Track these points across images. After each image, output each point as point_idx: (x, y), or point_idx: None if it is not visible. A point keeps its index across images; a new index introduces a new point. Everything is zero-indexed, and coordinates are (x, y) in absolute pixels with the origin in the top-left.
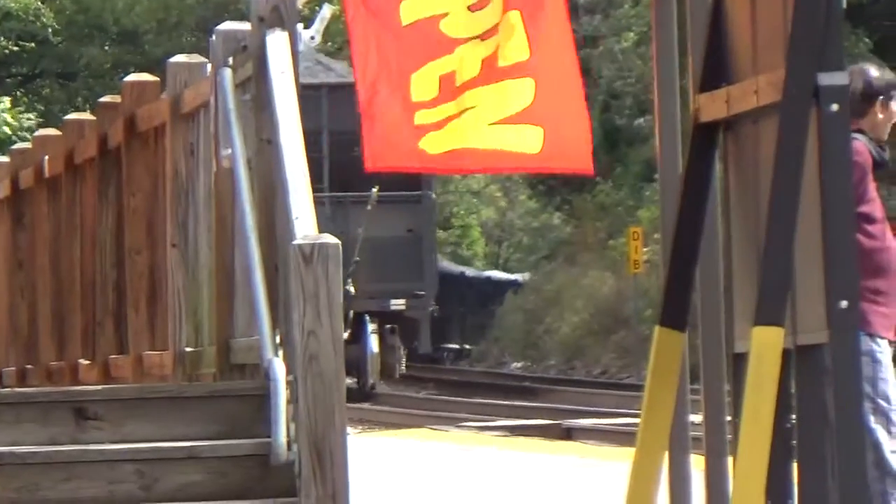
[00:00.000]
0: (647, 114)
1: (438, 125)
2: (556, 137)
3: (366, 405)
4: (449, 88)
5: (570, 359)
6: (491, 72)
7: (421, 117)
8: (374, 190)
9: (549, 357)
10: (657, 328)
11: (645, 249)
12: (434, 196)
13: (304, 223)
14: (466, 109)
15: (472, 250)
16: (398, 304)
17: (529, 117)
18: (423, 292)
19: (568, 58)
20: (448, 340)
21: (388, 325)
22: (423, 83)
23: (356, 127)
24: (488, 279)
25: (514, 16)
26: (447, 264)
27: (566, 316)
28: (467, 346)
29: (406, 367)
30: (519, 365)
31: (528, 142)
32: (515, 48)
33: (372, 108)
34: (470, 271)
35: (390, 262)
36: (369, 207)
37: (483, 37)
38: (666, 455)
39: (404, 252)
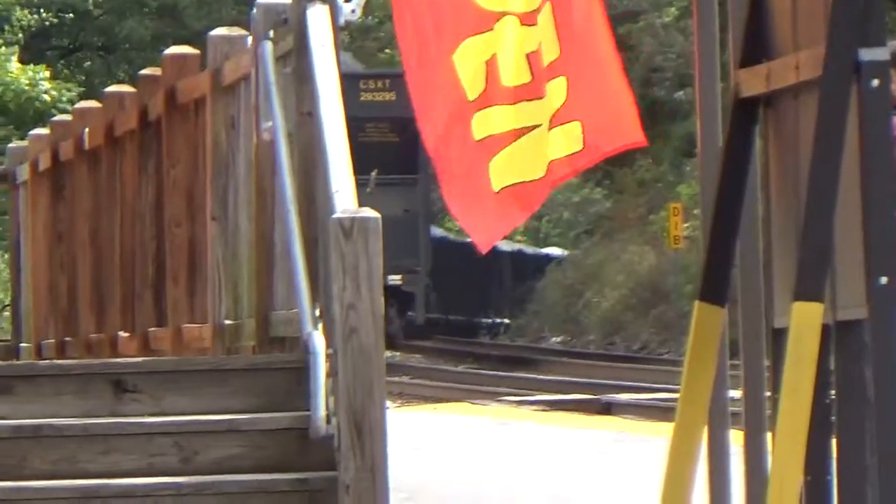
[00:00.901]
0: (687, 87)
1: (499, 143)
2: (597, 123)
3: (405, 379)
4: (495, 84)
5: (609, 334)
6: (540, 79)
7: (479, 126)
8: (374, 173)
9: (589, 332)
10: (697, 303)
11: (685, 225)
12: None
13: (345, 196)
14: (531, 128)
15: None
16: (395, 279)
17: (565, 116)
18: (418, 268)
19: (598, 33)
20: (499, 314)
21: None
22: (467, 67)
23: (357, 114)
24: (546, 256)
25: (547, 9)
26: (502, 244)
27: (606, 291)
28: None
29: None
30: (558, 339)
31: (570, 142)
32: (549, 46)
33: (431, 121)
34: (528, 249)
35: (388, 240)
36: (369, 190)
37: (522, 20)
38: (705, 430)
39: (401, 231)
